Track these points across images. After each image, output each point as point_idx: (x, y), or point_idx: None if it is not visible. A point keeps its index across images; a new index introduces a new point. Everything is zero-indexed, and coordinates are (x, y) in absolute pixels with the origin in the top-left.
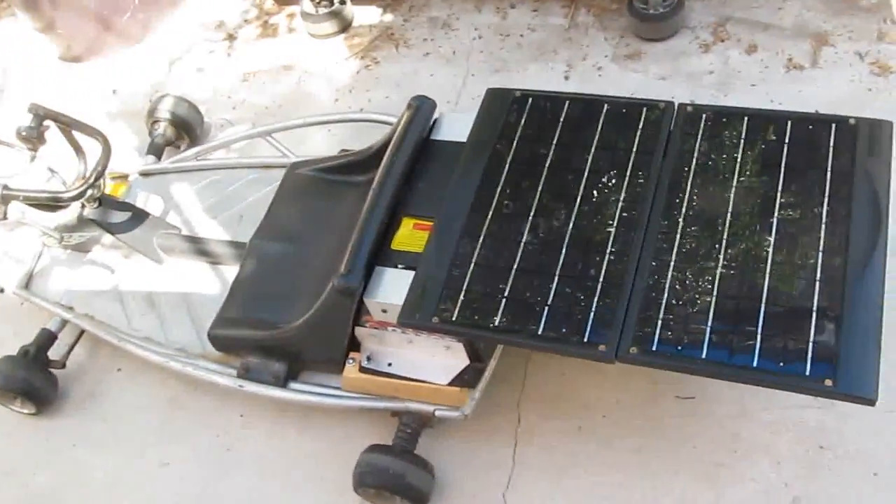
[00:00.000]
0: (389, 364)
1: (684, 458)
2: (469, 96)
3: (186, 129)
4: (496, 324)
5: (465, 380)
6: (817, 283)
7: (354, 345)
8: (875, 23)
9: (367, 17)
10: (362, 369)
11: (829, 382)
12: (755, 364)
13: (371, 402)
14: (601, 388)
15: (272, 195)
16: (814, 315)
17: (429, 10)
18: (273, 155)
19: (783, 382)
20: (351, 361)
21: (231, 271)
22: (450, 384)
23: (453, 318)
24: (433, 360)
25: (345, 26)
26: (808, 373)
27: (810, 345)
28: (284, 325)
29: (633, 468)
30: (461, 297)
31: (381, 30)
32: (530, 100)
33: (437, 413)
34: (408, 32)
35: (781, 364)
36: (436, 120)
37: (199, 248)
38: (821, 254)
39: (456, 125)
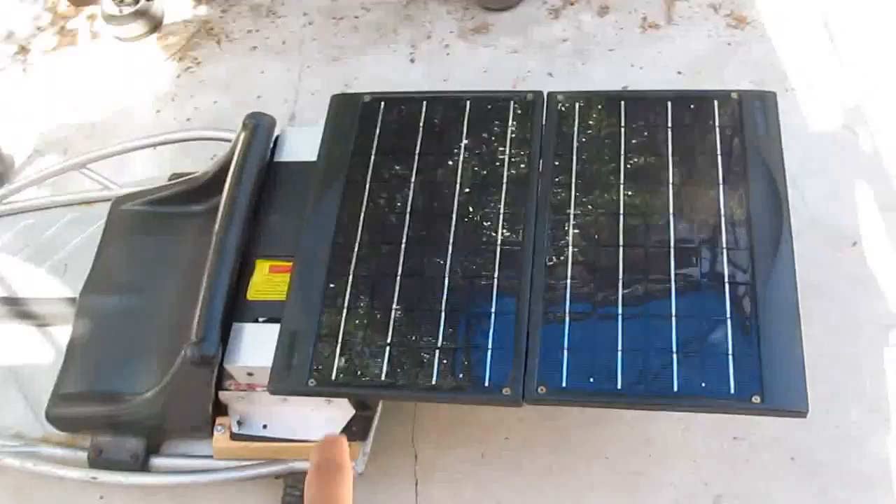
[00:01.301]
0: (265, 426)
1: (599, 471)
2: (308, 91)
3: None
4: (383, 378)
5: (354, 432)
6: (727, 288)
7: (221, 407)
8: None
9: (179, 11)
10: (234, 436)
11: (756, 399)
12: (676, 389)
13: (250, 472)
14: (499, 408)
15: (98, 237)
16: (729, 325)
17: None
18: (93, 188)
19: (708, 405)
20: (220, 429)
21: (64, 332)
22: None
23: (332, 378)
24: (314, 414)
25: (155, 25)
26: (732, 391)
27: (730, 359)
28: (134, 396)
29: (546, 490)
30: (338, 351)
31: (198, 25)
32: (382, 104)
33: None
34: (228, 25)
35: (703, 385)
36: (277, 137)
37: (20, 310)
38: (725, 252)
39: (302, 142)
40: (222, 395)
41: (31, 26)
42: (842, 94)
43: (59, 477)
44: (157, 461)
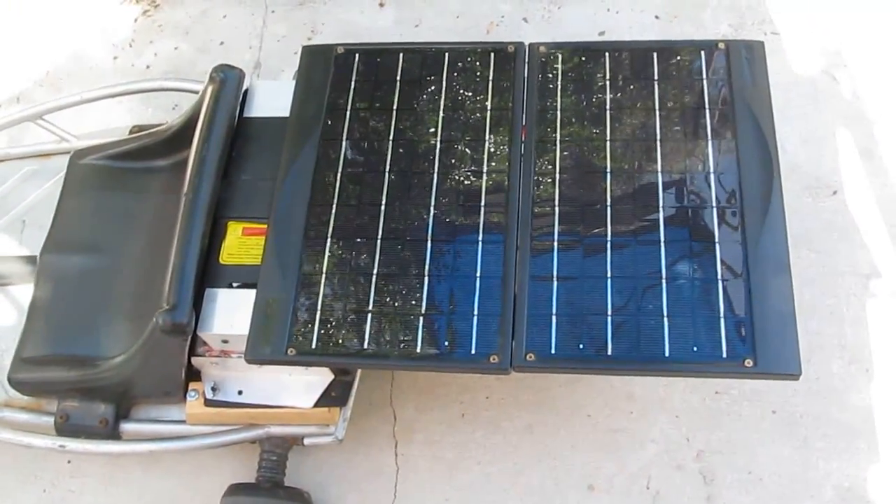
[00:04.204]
0: (240, 392)
1: (580, 430)
2: (273, 38)
3: None
4: (365, 346)
5: (333, 397)
6: (717, 248)
7: (194, 372)
8: None
9: None
10: (208, 402)
11: (749, 363)
12: (667, 354)
13: (227, 438)
14: None
15: (57, 192)
16: (720, 287)
17: None
18: (49, 140)
19: (699, 370)
20: (193, 395)
21: (24, 292)
22: (316, 406)
23: (312, 347)
24: (291, 379)
25: None
26: (724, 355)
27: (721, 322)
28: (103, 360)
29: (527, 449)
30: (318, 318)
31: None
32: (356, 56)
33: (306, 442)
34: None
35: (695, 349)
36: (246, 91)
37: None
38: (715, 211)
39: (272, 97)
40: (195, 360)
41: None
42: (822, 39)
43: (25, 445)
44: (127, 426)
